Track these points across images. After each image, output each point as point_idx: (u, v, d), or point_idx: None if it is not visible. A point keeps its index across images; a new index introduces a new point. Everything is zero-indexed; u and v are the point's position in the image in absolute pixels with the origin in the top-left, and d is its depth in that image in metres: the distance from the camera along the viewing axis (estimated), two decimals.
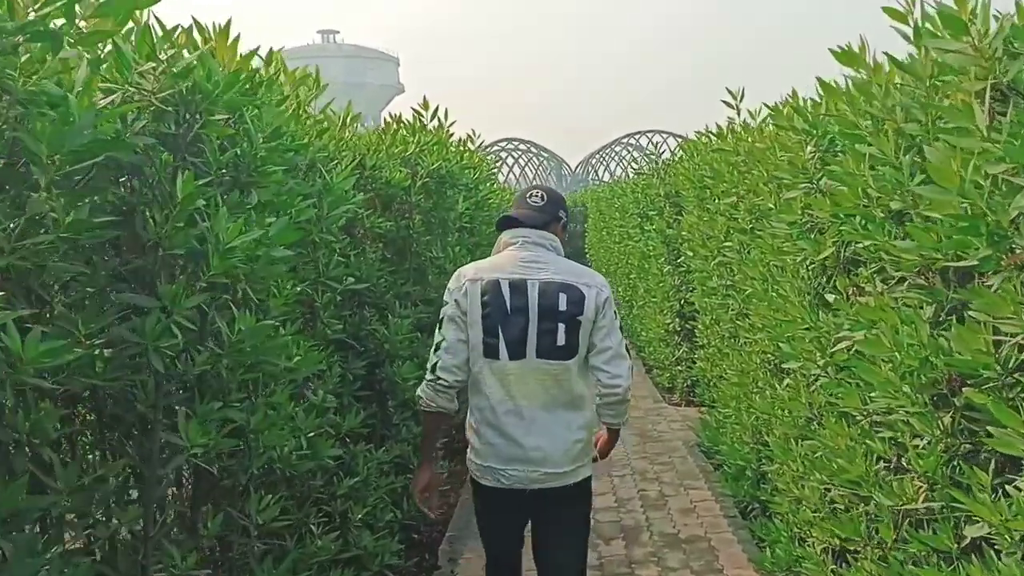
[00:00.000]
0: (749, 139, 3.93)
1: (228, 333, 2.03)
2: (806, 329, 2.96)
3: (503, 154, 38.44)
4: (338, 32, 79.41)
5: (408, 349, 4.01)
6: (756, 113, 4.36)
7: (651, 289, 8.41)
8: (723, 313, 4.76)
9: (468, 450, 2.71)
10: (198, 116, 1.70)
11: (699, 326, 5.61)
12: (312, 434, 2.79)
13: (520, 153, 40.66)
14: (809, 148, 2.66)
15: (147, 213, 1.63)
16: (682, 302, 7.23)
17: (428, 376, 2.66)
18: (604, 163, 41.56)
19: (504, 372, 2.53)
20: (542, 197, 2.72)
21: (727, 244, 4.40)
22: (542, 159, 41.00)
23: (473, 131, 6.18)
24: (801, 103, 3.10)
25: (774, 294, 3.50)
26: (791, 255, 2.99)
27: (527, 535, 2.79)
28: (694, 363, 7.22)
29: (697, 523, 4.52)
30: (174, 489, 2.17)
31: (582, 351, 2.56)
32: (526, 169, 40.34)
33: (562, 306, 2.51)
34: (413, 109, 4.49)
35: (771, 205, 3.13)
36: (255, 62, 2.33)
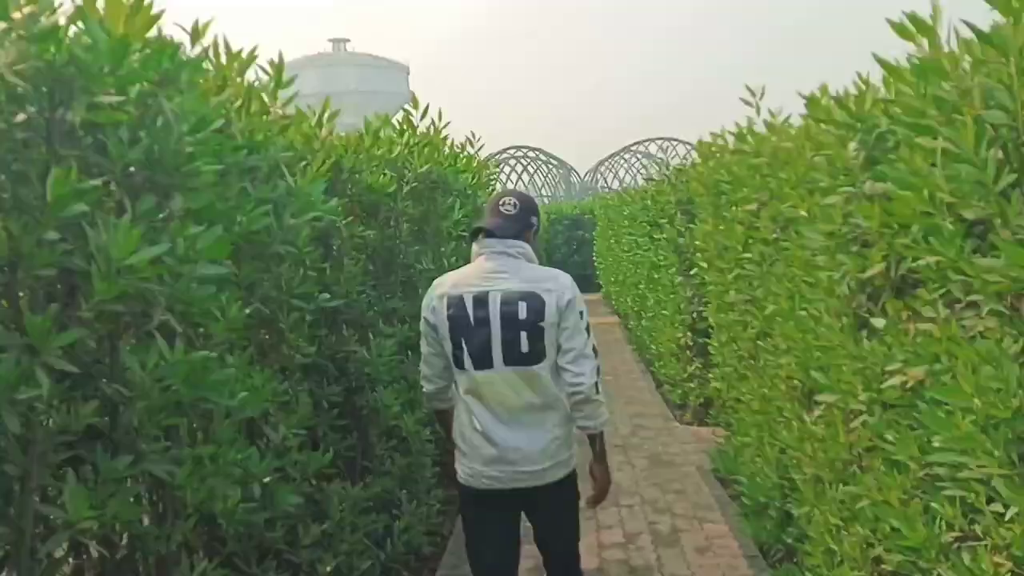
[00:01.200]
0: (773, 138, 3.52)
1: (141, 369, 1.64)
2: (846, 357, 2.54)
3: (512, 161, 38.04)
4: (349, 40, 79.32)
5: (392, 372, 3.61)
6: (777, 113, 3.96)
7: (661, 301, 7.99)
8: (741, 331, 4.35)
9: (455, 454, 2.79)
10: (72, 96, 1.30)
11: (713, 343, 5.19)
12: (269, 479, 2.39)
13: (528, 160, 40.23)
14: (853, 145, 2.25)
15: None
16: (694, 316, 6.81)
17: (420, 383, 2.91)
18: (613, 170, 41.04)
19: (474, 381, 2.62)
20: (514, 205, 2.75)
21: (746, 256, 3.98)
22: (551, 166, 40.57)
23: (472, 134, 5.79)
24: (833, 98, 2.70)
25: (803, 313, 3.09)
26: (827, 271, 2.58)
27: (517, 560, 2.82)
28: (707, 380, 6.81)
29: (714, 564, 4.09)
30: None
31: (551, 355, 2.62)
32: (535, 177, 39.92)
33: (522, 314, 2.58)
34: (404, 109, 4.10)
35: (802, 212, 2.72)
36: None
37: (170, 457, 1.82)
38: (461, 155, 4.81)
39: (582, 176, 41.11)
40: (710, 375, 5.52)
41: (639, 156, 40.39)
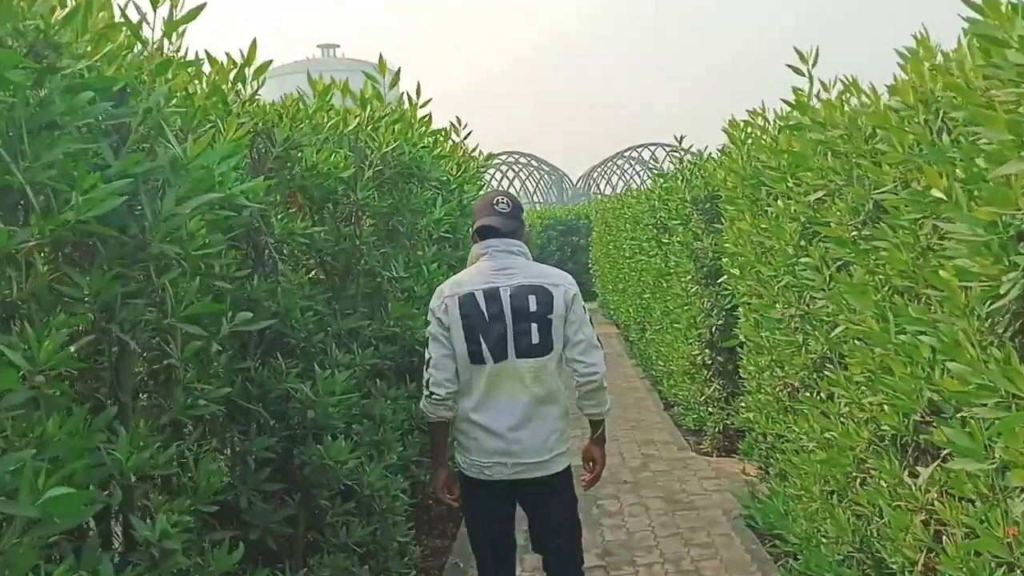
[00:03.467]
0: (851, 103, 2.67)
1: None
2: (999, 407, 1.70)
3: (503, 167, 37.30)
4: (338, 46, 78.22)
5: (348, 414, 2.73)
6: (830, 85, 3.11)
7: (670, 312, 7.12)
8: (791, 354, 3.48)
9: (456, 447, 2.84)
10: None
11: (747, 365, 4.33)
12: None
13: (521, 167, 39.50)
14: None
15: None
16: (714, 330, 5.95)
17: (424, 391, 2.77)
18: (606, 176, 40.35)
19: (490, 374, 2.67)
20: (508, 203, 2.81)
21: (805, 259, 3.12)
22: (543, 172, 39.82)
23: (458, 120, 4.92)
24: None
25: (904, 338, 2.24)
26: (982, 277, 1.71)
27: (515, 536, 2.94)
28: (728, 403, 5.96)
29: None
30: None
31: (557, 347, 2.71)
32: (527, 183, 39.16)
33: (532, 307, 2.67)
34: (365, 73, 3.23)
35: (938, 194, 1.84)
36: None
37: None
38: (441, 138, 3.92)
39: (574, 182, 40.37)
40: (740, 403, 4.65)
41: (631, 162, 39.76)
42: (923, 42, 2.34)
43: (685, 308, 6.31)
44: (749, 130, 3.91)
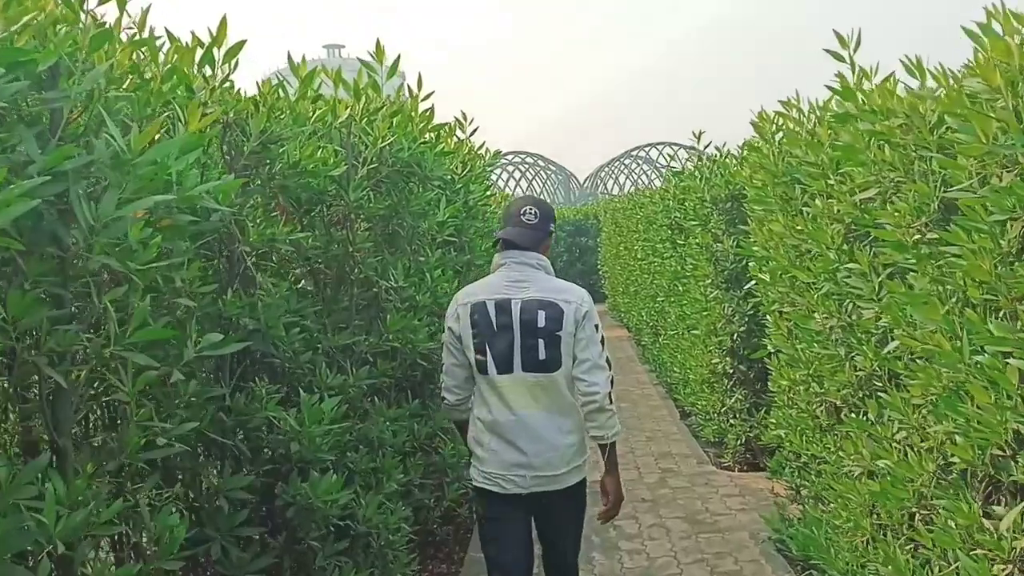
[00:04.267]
0: (901, 89, 2.34)
1: None
2: None
3: (510, 168, 37.01)
4: (343, 47, 78.19)
5: (339, 445, 2.41)
6: (872, 72, 2.78)
7: (687, 317, 6.79)
8: (832, 369, 3.15)
9: (471, 459, 2.82)
10: None
11: (780, 379, 4.00)
12: None
13: (528, 167, 39.20)
14: None
15: None
16: (735, 337, 5.62)
17: (440, 395, 2.86)
18: (613, 176, 40.01)
19: (497, 385, 2.68)
20: (535, 214, 2.77)
21: (851, 265, 2.79)
22: (550, 172, 39.50)
23: (464, 115, 4.60)
24: None
25: (984, 358, 1.91)
26: None
27: (532, 555, 2.86)
28: (751, 414, 5.62)
29: None
30: None
31: (567, 363, 2.68)
32: (534, 183, 38.84)
33: (541, 323, 2.66)
34: (359, 60, 2.90)
35: (985, 196, 1.51)
36: None
37: None
38: (445, 133, 3.59)
39: (582, 182, 40.02)
40: (766, 416, 4.31)
41: (639, 162, 39.39)
42: (1001, 14, 2.01)
43: (704, 314, 5.97)
44: (781, 122, 3.57)
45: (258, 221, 2.13)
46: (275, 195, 2.26)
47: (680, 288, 7.26)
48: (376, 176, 2.77)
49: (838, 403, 3.17)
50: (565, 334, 2.64)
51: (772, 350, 4.07)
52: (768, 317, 4.10)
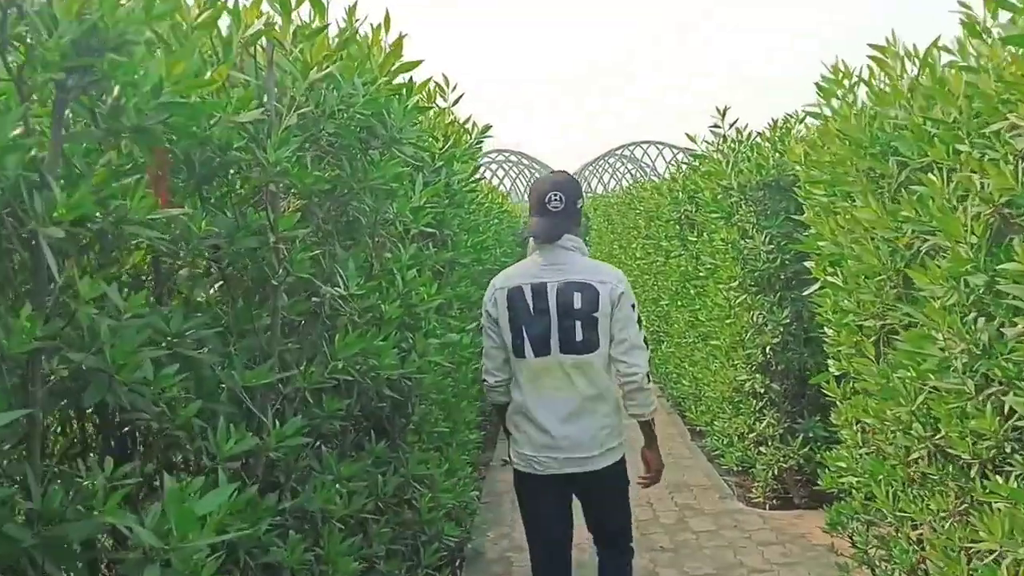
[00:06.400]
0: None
1: None
2: None
3: (493, 166, 36.15)
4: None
5: (232, 559, 1.49)
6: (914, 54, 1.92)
7: (701, 324, 5.92)
8: (956, 412, 2.27)
9: (509, 441, 2.91)
10: None
11: (845, 409, 3.12)
12: None
13: (511, 165, 38.35)
14: None
15: None
16: (767, 350, 4.74)
17: (481, 377, 2.96)
18: (598, 175, 39.26)
19: (533, 368, 2.73)
20: (561, 199, 2.75)
21: (1009, 265, 1.91)
22: (533, 171, 38.62)
23: (446, 79, 3.67)
24: None
25: None
26: None
27: (571, 532, 2.94)
28: (785, 442, 4.75)
29: None
30: None
31: (603, 345, 2.71)
32: (517, 182, 37.96)
33: (577, 304, 2.68)
34: None
35: None
36: None
37: None
38: (417, 88, 2.66)
39: None
40: (826, 454, 3.43)
41: (624, 161, 38.68)
42: None
43: (727, 322, 5.09)
44: (874, 75, 2.66)
45: (62, 189, 1.20)
46: (128, 146, 1.34)
47: (691, 291, 6.39)
48: (315, 131, 1.86)
49: (963, 455, 2.29)
50: (601, 315, 2.68)
51: (837, 373, 3.21)
52: (828, 331, 3.23)
